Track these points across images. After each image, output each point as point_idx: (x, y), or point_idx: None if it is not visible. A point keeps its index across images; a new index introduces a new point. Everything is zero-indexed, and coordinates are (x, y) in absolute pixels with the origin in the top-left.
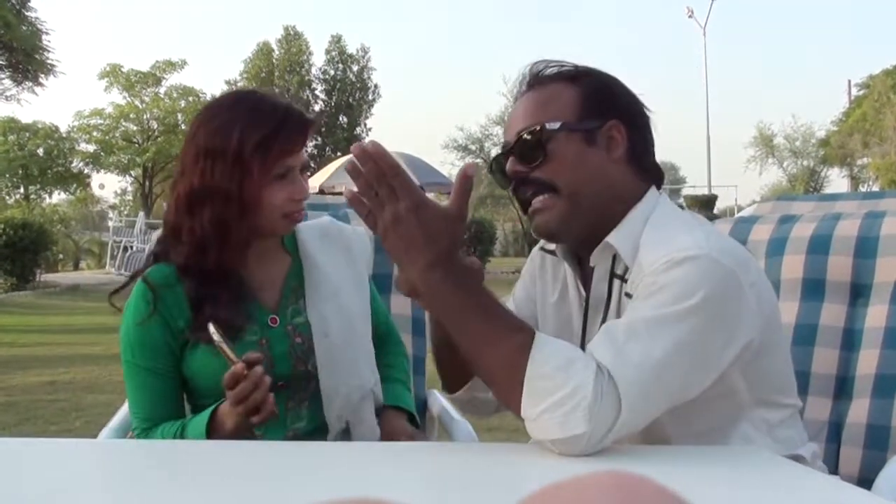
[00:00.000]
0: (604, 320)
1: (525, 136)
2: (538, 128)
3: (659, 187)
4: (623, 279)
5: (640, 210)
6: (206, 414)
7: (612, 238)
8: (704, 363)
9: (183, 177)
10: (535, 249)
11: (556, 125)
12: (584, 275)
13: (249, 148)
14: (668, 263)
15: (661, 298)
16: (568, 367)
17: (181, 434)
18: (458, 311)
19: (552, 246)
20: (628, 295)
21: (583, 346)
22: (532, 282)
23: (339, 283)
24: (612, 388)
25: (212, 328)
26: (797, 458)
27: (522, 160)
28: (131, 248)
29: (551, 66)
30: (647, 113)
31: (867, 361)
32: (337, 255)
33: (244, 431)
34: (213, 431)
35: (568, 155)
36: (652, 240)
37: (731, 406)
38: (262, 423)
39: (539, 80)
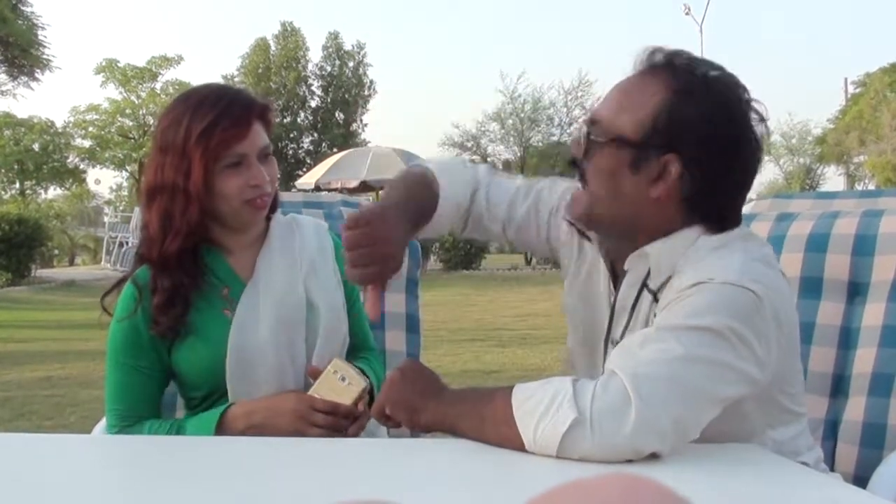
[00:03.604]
0: (626, 326)
1: (589, 125)
2: (596, 132)
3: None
4: (655, 296)
5: (684, 234)
6: (213, 416)
7: (651, 248)
8: (723, 375)
9: (146, 174)
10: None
11: (603, 139)
12: (616, 273)
13: (193, 139)
14: (694, 285)
15: (677, 311)
16: (546, 383)
17: (177, 433)
18: (456, 409)
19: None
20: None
21: (606, 342)
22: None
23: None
24: (615, 382)
25: (335, 363)
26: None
27: (581, 145)
28: (127, 243)
29: (676, 59)
30: (752, 161)
31: (864, 360)
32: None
33: (257, 433)
34: (220, 431)
35: (605, 169)
36: (688, 263)
37: (741, 431)
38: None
39: (651, 69)
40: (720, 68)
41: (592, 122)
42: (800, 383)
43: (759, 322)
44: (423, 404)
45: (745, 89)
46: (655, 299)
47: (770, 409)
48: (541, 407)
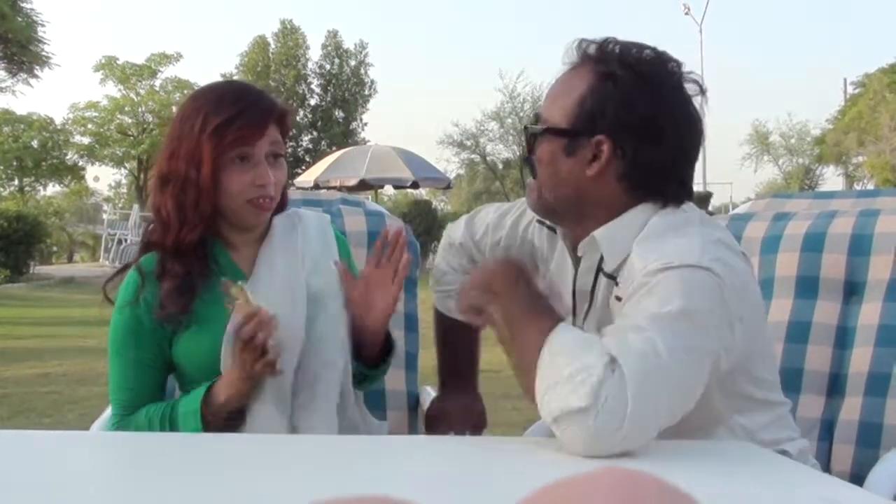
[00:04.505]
0: (588, 312)
1: (532, 122)
2: (531, 125)
3: (674, 204)
4: (614, 279)
5: (631, 215)
6: (200, 391)
7: (598, 233)
8: (699, 367)
9: (160, 159)
10: (533, 223)
11: (540, 129)
12: (578, 259)
13: (207, 133)
14: (659, 268)
15: (653, 301)
16: (583, 348)
17: (171, 413)
18: (514, 327)
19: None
20: (618, 298)
21: None
22: (526, 250)
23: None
24: (620, 377)
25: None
26: (782, 454)
27: (527, 143)
28: (125, 240)
29: (601, 47)
30: (686, 135)
31: (860, 359)
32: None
33: (236, 403)
34: (206, 406)
35: (544, 157)
36: (645, 245)
37: (705, 416)
38: (263, 372)
39: (581, 60)
40: (651, 48)
41: (535, 119)
42: (771, 370)
43: (726, 302)
44: (498, 294)
45: (676, 64)
46: (615, 282)
47: (733, 394)
48: (565, 371)
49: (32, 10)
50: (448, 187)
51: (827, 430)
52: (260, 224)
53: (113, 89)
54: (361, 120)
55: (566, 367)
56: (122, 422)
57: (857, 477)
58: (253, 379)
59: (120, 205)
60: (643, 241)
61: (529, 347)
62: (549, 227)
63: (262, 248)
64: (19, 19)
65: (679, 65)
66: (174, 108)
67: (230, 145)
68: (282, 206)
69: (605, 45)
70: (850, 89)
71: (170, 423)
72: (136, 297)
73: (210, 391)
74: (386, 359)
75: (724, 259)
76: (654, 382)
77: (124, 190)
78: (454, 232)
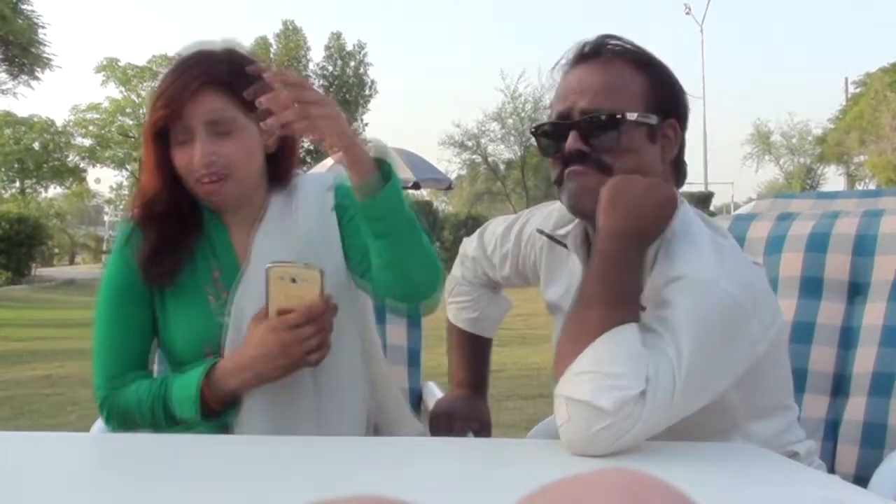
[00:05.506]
0: None
1: (600, 117)
2: (618, 115)
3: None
4: None
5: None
6: (195, 374)
7: None
8: (705, 385)
9: None
10: (535, 232)
11: (634, 116)
12: None
13: (149, 108)
14: (678, 284)
15: (670, 312)
16: (636, 360)
17: (164, 393)
18: (617, 264)
19: (561, 231)
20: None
21: None
22: (530, 261)
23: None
24: (643, 405)
25: (272, 270)
26: (792, 455)
27: (588, 139)
28: None
29: (617, 42)
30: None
31: (864, 359)
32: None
33: (250, 387)
34: (208, 388)
35: (633, 147)
36: (667, 256)
37: (723, 421)
38: (319, 360)
39: (604, 54)
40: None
41: (605, 115)
42: (786, 373)
43: (739, 320)
44: (618, 224)
45: None
46: None
47: (750, 400)
48: (609, 369)
49: (33, 11)
50: (449, 188)
51: (831, 430)
52: (219, 202)
53: (114, 91)
54: (362, 120)
55: (613, 366)
56: (110, 396)
57: (862, 478)
58: (289, 368)
59: (121, 206)
60: (667, 247)
61: (595, 322)
62: (559, 242)
63: (256, 236)
64: (20, 21)
65: None
66: None
67: (156, 122)
68: (282, 178)
69: (620, 41)
70: (851, 88)
71: (163, 406)
72: (126, 240)
73: (213, 375)
74: (386, 173)
75: (741, 276)
76: (660, 420)
77: (126, 192)
78: (468, 245)
